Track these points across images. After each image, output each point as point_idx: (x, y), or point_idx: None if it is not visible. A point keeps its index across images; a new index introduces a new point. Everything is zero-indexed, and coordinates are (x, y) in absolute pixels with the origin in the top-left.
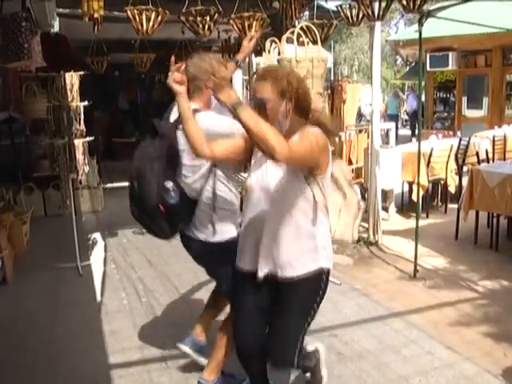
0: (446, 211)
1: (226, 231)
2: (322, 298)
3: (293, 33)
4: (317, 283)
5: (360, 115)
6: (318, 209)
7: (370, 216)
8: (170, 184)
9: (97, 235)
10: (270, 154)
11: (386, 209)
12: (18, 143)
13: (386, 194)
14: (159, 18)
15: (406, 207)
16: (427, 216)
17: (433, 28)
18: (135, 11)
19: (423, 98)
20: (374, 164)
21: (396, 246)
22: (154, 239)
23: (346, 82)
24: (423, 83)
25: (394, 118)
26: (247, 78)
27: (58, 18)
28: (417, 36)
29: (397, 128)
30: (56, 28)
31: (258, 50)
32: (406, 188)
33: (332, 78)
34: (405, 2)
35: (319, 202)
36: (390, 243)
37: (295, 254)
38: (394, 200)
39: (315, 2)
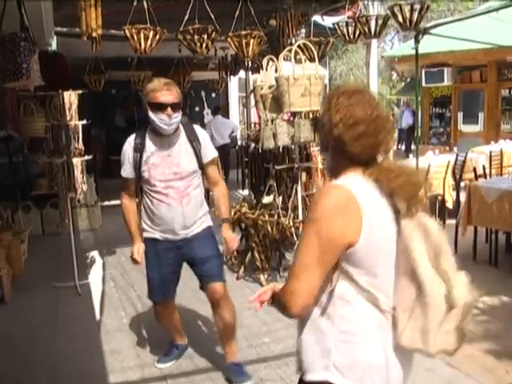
0: (444, 227)
1: None
2: None
3: (290, 51)
4: None
5: None
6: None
7: None
8: None
9: (95, 253)
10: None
11: None
12: (16, 162)
13: None
14: (157, 36)
15: None
16: None
17: (428, 44)
18: (133, 30)
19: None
20: None
21: None
22: None
23: None
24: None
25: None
26: (244, 94)
27: (55, 37)
28: (412, 52)
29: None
30: (53, 46)
31: (256, 68)
32: None
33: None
34: (401, 20)
35: (340, 289)
36: None
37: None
38: None
39: (312, 20)
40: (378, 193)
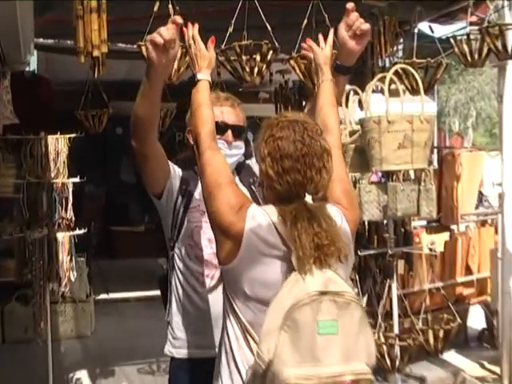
0: None
1: None
2: None
3: (383, 79)
4: None
5: (481, 198)
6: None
7: (504, 355)
8: None
9: (83, 374)
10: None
11: None
12: None
13: None
14: (187, 57)
15: None
16: None
17: None
18: None
19: None
20: (508, 274)
21: None
22: None
23: (461, 147)
24: None
25: None
26: None
27: (35, 52)
28: None
29: None
30: (33, 65)
31: None
32: None
33: (436, 139)
34: None
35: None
36: None
37: None
38: None
39: (415, 31)
40: (275, 232)
